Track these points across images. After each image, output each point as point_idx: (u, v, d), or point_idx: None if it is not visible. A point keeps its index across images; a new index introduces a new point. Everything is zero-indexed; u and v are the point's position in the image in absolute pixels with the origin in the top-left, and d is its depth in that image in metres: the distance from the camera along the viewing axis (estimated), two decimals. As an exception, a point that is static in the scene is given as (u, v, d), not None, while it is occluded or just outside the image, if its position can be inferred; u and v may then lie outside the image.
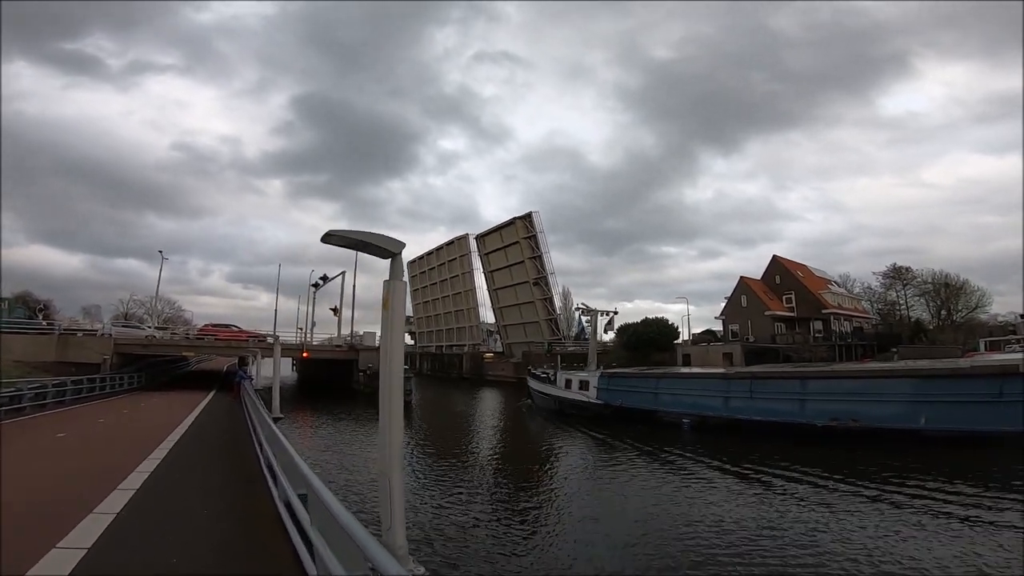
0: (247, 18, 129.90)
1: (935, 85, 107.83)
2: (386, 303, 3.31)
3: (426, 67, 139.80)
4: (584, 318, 40.60)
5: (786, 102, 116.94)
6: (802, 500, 10.80)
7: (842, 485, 11.64)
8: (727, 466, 14.00)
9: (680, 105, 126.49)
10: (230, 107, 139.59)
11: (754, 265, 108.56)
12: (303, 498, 5.00)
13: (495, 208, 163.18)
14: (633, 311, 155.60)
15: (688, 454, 15.88)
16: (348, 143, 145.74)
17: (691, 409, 20.80)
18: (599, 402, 24.57)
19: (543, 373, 31.47)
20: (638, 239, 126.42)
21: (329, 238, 3.22)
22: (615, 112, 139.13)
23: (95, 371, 27.68)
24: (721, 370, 26.95)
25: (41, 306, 54.39)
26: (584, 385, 25.97)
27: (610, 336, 58.95)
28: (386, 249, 3.31)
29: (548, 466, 15.90)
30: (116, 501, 6.39)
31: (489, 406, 34.34)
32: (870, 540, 8.36)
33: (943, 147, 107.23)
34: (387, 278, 3.35)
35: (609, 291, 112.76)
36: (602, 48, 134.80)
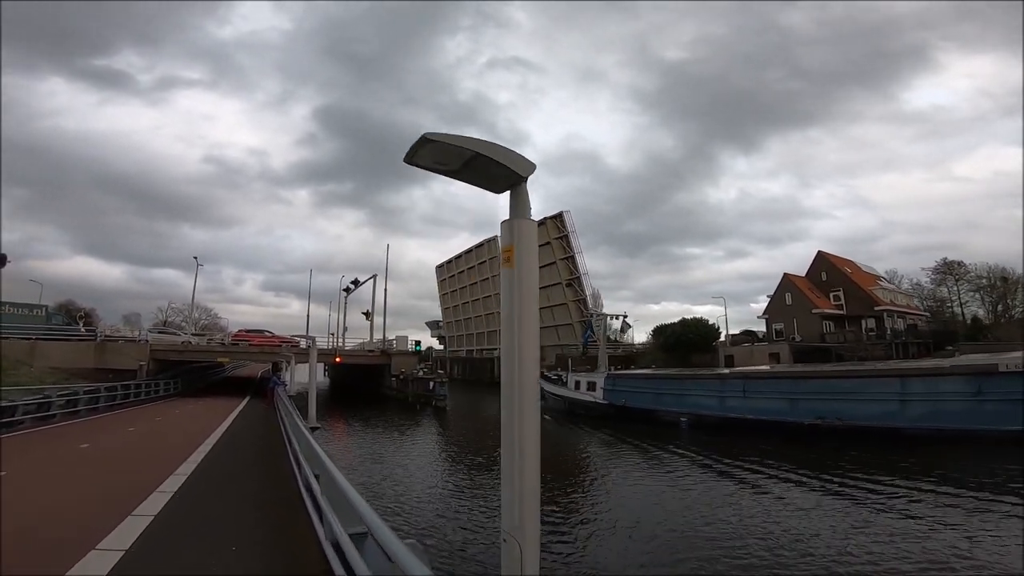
0: (266, 32, 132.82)
1: (959, 78, 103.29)
2: (509, 256, 2.02)
3: (439, 75, 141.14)
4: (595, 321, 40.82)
5: (804, 99, 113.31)
6: (782, 497, 11.17)
7: (816, 482, 12.11)
8: (722, 465, 14.38)
9: (696, 105, 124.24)
10: (255, 120, 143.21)
11: (782, 265, 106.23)
12: (357, 540, 3.78)
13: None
14: (660, 313, 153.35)
15: (680, 451, 16.46)
16: (369, 152, 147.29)
17: (689, 408, 21.74)
18: (605, 402, 25.51)
19: (554, 375, 32.62)
20: (662, 241, 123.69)
21: (421, 151, 1.95)
22: (631, 114, 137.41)
23: (132, 377, 27.47)
24: (717, 371, 27.96)
25: (81, 314, 55.61)
26: (592, 386, 27.07)
27: (632, 338, 57.04)
28: (510, 170, 2.02)
29: (562, 467, 15.78)
30: (127, 532, 5.27)
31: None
32: (846, 537, 8.61)
33: (975, 140, 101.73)
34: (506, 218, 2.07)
35: (634, 293, 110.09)
36: (613, 51, 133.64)
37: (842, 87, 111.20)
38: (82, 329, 35.54)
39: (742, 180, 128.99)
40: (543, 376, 33.85)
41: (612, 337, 71.20)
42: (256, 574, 4.38)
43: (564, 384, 30.03)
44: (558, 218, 54.62)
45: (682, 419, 21.17)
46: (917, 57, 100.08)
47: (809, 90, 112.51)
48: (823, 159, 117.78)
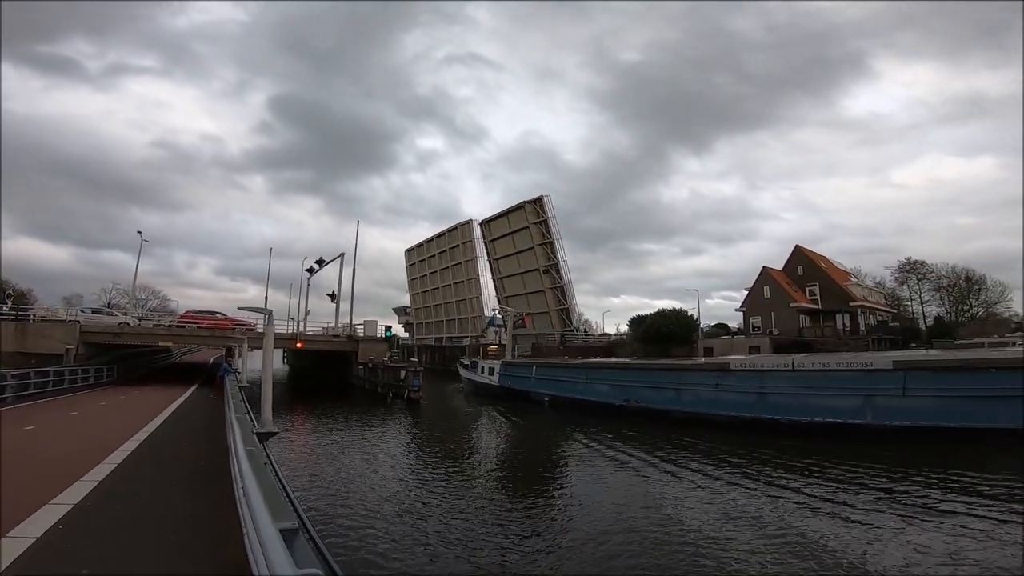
0: (223, 23, 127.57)
1: (896, 86, 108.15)
2: None
3: (398, 70, 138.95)
4: (497, 315, 48.00)
5: (750, 103, 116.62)
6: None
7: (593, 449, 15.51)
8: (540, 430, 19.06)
9: (650, 106, 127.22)
10: (210, 108, 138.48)
11: (736, 263, 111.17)
12: None
13: (479, 205, 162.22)
14: (621, 306, 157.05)
15: (531, 424, 21.39)
16: (327, 142, 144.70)
17: (551, 391, 26.13)
18: (498, 385, 30.56)
19: (470, 362, 37.42)
20: (620, 236, 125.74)
21: None
22: (589, 113, 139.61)
23: (58, 363, 23.91)
24: (572, 361, 32.59)
25: (9, 292, 50.05)
26: (491, 371, 31.85)
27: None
28: None
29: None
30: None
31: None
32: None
33: (913, 148, 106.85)
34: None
35: (595, 287, 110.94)
36: (571, 52, 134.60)
37: (786, 92, 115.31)
38: (2, 307, 31.26)
39: (694, 180, 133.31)
40: (460, 363, 39.55)
41: (584, 329, 70.43)
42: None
43: (475, 369, 34.31)
44: (537, 202, 52.37)
45: (545, 399, 25.63)
46: (855, 65, 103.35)
47: (755, 94, 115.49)
48: (770, 162, 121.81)
